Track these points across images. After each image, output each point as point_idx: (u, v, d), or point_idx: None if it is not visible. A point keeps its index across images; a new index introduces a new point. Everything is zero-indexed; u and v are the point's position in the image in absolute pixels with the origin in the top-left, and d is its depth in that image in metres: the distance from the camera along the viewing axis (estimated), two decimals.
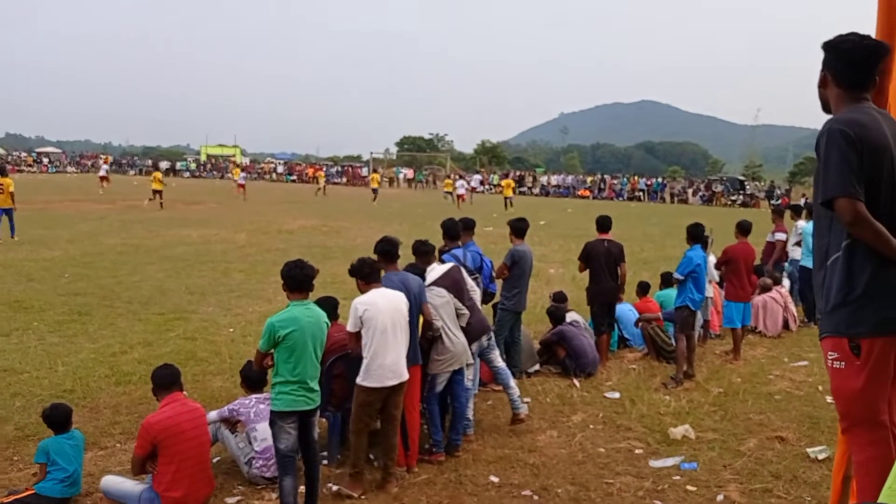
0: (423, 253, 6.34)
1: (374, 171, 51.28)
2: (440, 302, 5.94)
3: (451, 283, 6.10)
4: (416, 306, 5.58)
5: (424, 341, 5.85)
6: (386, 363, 5.15)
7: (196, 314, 10.39)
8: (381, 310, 5.15)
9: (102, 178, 40.57)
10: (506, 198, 36.62)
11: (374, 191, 39.99)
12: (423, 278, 5.98)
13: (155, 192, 29.57)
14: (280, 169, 71.64)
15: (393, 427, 5.41)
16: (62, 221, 22.50)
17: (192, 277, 13.25)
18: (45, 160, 73.01)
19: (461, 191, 37.43)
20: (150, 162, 74.07)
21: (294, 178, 66.91)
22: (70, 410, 4.98)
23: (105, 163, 52.01)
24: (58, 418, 4.81)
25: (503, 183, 39.95)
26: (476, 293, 6.74)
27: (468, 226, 7.70)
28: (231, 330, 9.55)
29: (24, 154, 77.34)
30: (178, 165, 74.81)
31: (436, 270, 6.20)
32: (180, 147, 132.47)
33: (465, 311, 6.12)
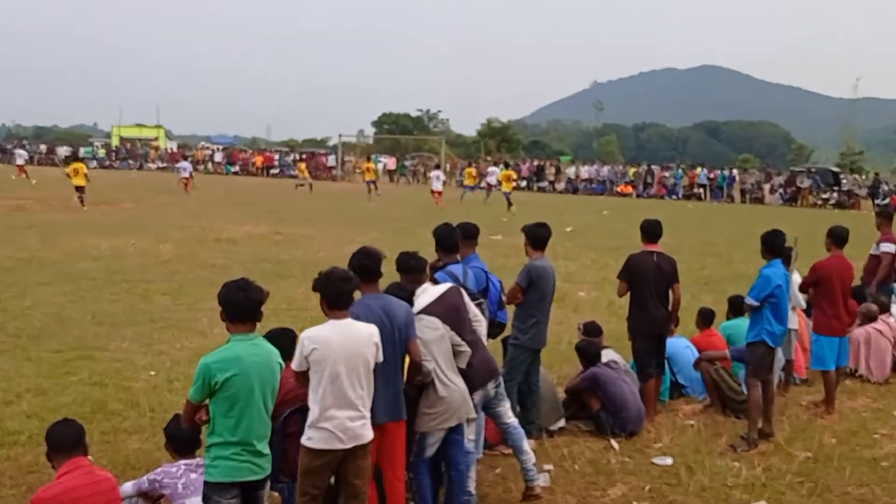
0: (412, 270, 6.34)
1: (368, 158, 51.35)
2: (432, 336, 5.92)
3: (447, 310, 6.11)
4: (402, 342, 5.58)
5: (411, 388, 5.84)
6: (337, 419, 5.12)
7: (106, 352, 10.43)
8: (335, 350, 5.12)
9: (21, 168, 40.88)
10: (505, 194, 36.72)
11: (371, 184, 40.45)
12: (412, 303, 5.99)
13: (78, 188, 29.69)
14: (218, 157, 71.61)
15: (359, 501, 5.36)
16: None
17: (100, 302, 13.31)
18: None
19: (436, 185, 37.71)
20: (43, 147, 73.98)
21: (236, 169, 66.96)
22: None
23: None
24: None
25: (500, 175, 40.08)
26: (481, 324, 6.73)
27: (469, 234, 7.68)
28: (152, 373, 9.59)
29: None
30: (82, 152, 74.37)
31: (428, 293, 6.20)
32: (84, 127, 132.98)
33: (466, 349, 6.10)
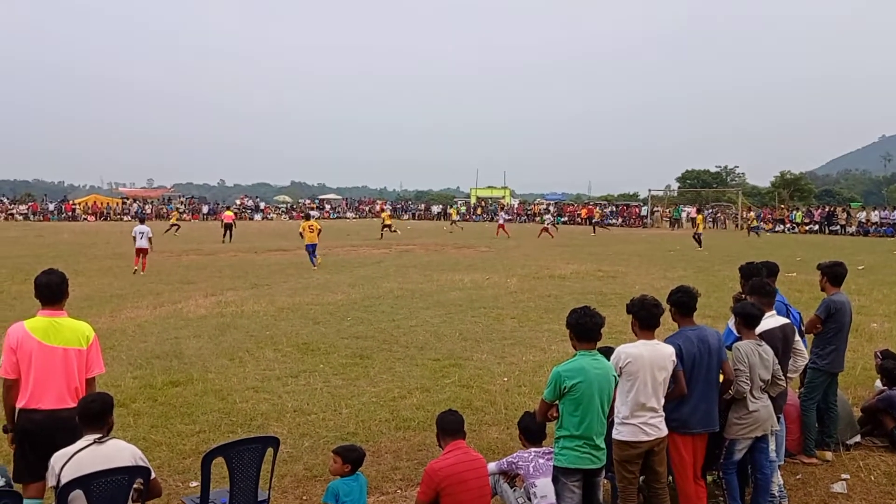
0: (767, 294, 6.23)
1: (699, 210, 51.31)
2: (757, 361, 5.68)
3: (781, 339, 5.90)
4: (717, 364, 5.40)
5: (721, 402, 5.61)
6: (642, 417, 5.07)
7: (470, 361, 10.88)
8: (645, 364, 5.07)
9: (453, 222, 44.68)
10: (696, 234, 35.88)
11: (754, 230, 43.92)
12: (759, 319, 5.87)
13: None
14: (551, 210, 73.14)
15: (661, 486, 5.26)
16: (342, 266, 24.98)
17: (465, 323, 13.92)
18: (327, 206, 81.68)
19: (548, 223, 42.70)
20: (422, 206, 79.48)
21: (565, 219, 67.85)
22: (364, 454, 5.41)
23: (381, 208, 57.34)
24: (357, 461, 5.27)
25: (699, 218, 38.81)
26: (804, 359, 6.53)
27: (773, 271, 7.26)
28: (505, 379, 9.87)
29: (307, 201, 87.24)
30: (449, 209, 79.38)
31: (773, 319, 6.04)
32: (450, 190, 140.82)
33: (783, 384, 5.90)
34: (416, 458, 7.00)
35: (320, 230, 26.07)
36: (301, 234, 26.43)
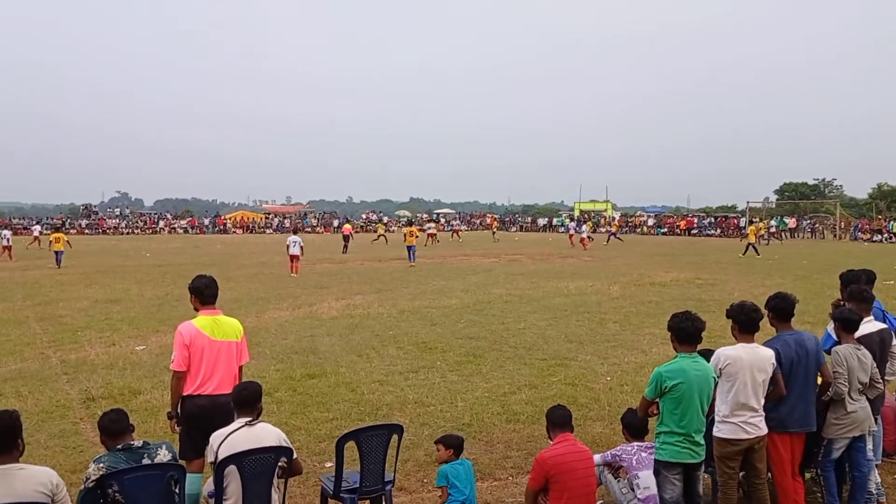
0: (866, 300, 5.89)
1: (751, 221, 48.63)
2: (856, 364, 5.38)
3: (879, 344, 5.60)
4: (815, 367, 5.16)
5: (820, 403, 5.34)
6: (742, 416, 4.87)
7: (575, 361, 10.76)
8: (744, 365, 4.88)
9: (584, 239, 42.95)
10: (749, 244, 34.71)
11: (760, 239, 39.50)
12: (858, 325, 5.59)
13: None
14: (650, 222, 71.42)
15: (761, 482, 5.06)
16: (456, 273, 25.20)
17: (570, 326, 13.78)
18: (442, 220, 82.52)
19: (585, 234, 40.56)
20: (529, 219, 79.26)
21: (665, 230, 66.10)
22: (462, 440, 5.48)
23: (492, 222, 57.70)
24: (457, 447, 5.34)
25: (750, 228, 36.83)
26: None
27: (871, 279, 6.85)
28: (608, 378, 9.71)
29: (424, 215, 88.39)
30: (555, 221, 78.85)
31: (871, 324, 5.74)
32: (555, 204, 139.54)
33: (881, 387, 5.54)
34: (526, 448, 6.99)
35: (418, 235, 30.50)
36: (404, 237, 30.83)
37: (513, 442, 7.23)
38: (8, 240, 33.48)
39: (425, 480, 6.33)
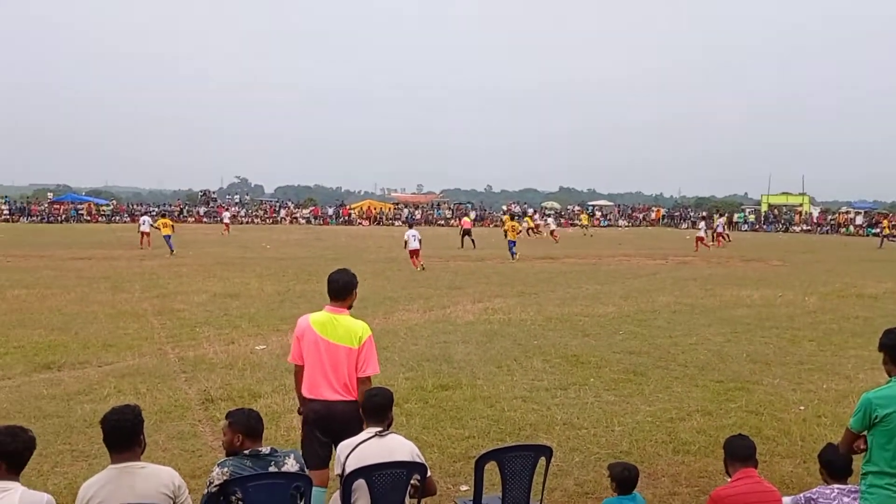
0: None
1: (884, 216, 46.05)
2: None
3: None
4: None
5: None
6: None
7: (759, 386, 10.38)
8: None
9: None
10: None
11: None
12: None
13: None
14: (859, 220, 67.39)
15: None
16: (614, 276, 24.91)
17: (753, 344, 13.31)
18: (598, 213, 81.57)
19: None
20: (703, 214, 76.93)
21: (877, 231, 62.12)
22: (637, 475, 5.41)
23: (657, 216, 56.28)
24: (627, 480, 5.29)
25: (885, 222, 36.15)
26: None
27: None
28: (802, 408, 9.30)
29: (576, 208, 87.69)
30: (736, 217, 76.08)
31: None
32: (737, 197, 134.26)
33: None
34: (697, 484, 6.84)
35: (520, 231, 34.14)
36: (505, 231, 34.02)
37: (681, 476, 7.09)
38: (148, 225, 36.50)
39: None
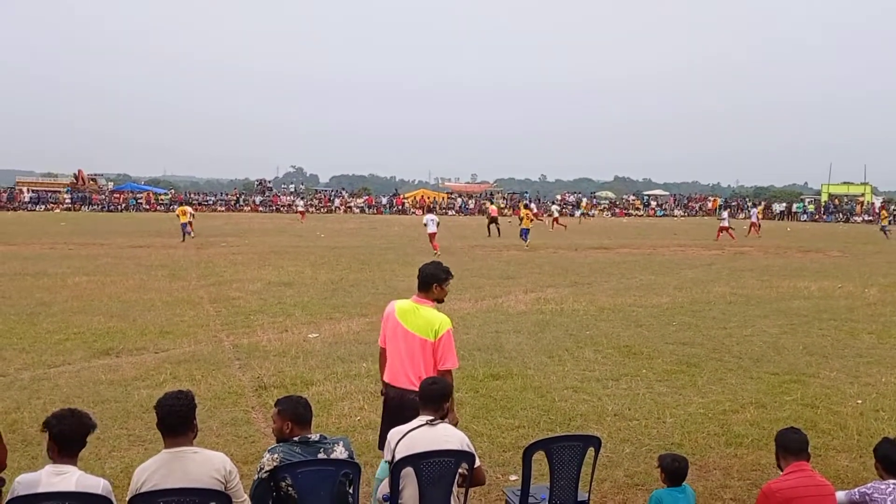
0: None
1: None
2: None
3: None
4: None
5: None
6: None
7: (816, 378, 10.17)
8: None
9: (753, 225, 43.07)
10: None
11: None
12: None
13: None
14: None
15: None
16: (668, 267, 24.60)
17: (810, 336, 13.05)
18: (653, 203, 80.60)
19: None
20: (762, 204, 75.59)
21: None
22: (688, 466, 5.34)
23: (714, 206, 55.32)
24: (677, 472, 5.23)
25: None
26: None
27: None
28: (859, 401, 9.09)
29: (631, 197, 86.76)
30: (794, 207, 74.58)
31: None
32: (796, 187, 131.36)
33: None
34: (749, 477, 6.73)
35: (533, 219, 35.03)
36: (520, 219, 35.34)
37: (733, 469, 6.99)
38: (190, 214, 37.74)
39: None
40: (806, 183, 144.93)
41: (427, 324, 5.72)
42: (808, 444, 4.84)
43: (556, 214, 48.68)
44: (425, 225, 30.33)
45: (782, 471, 4.75)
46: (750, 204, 57.47)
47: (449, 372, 5.71)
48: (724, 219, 40.46)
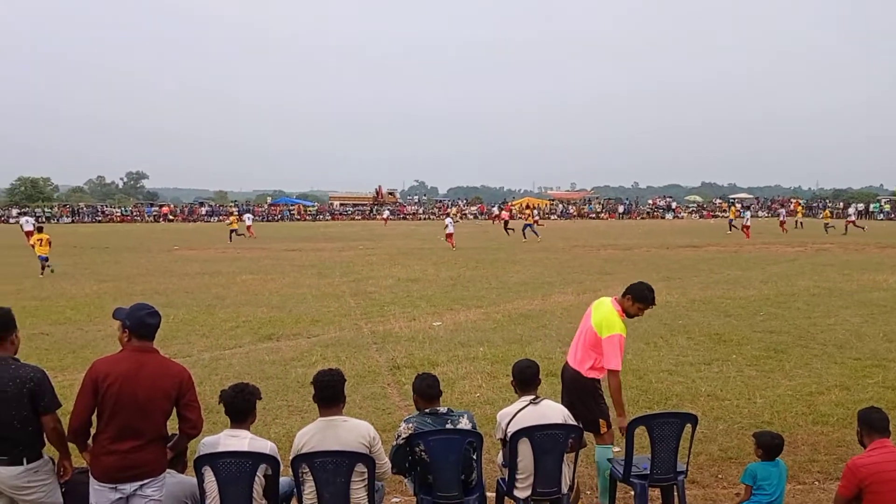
0: None
1: None
2: None
3: None
4: None
5: None
6: None
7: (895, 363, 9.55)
8: None
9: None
10: None
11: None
12: None
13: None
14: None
15: None
16: (754, 263, 23.58)
17: (890, 324, 12.24)
18: (739, 205, 77.45)
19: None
20: (840, 204, 71.53)
21: None
22: (783, 443, 5.09)
23: (796, 207, 52.88)
24: (774, 448, 4.98)
25: None
26: None
27: None
28: None
29: (718, 201, 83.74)
30: (871, 207, 70.24)
31: None
32: (872, 188, 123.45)
33: None
34: (835, 453, 6.38)
35: (537, 220, 37.08)
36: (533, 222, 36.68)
37: (819, 445, 6.64)
38: (250, 219, 43.79)
39: (719, 476, 6.09)
40: (882, 185, 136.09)
41: (604, 320, 5.61)
42: (889, 423, 4.55)
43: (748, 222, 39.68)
44: (446, 227, 32.22)
45: (865, 447, 4.47)
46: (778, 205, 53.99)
47: (612, 372, 5.52)
48: (746, 218, 39.64)
